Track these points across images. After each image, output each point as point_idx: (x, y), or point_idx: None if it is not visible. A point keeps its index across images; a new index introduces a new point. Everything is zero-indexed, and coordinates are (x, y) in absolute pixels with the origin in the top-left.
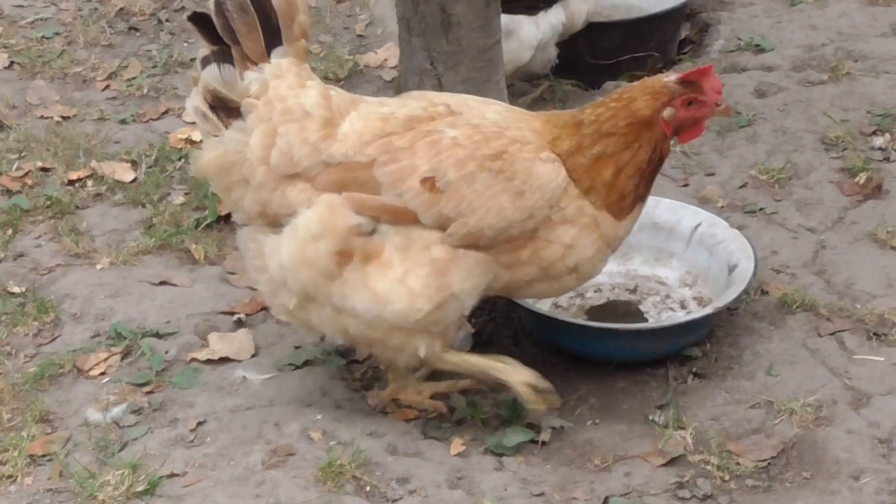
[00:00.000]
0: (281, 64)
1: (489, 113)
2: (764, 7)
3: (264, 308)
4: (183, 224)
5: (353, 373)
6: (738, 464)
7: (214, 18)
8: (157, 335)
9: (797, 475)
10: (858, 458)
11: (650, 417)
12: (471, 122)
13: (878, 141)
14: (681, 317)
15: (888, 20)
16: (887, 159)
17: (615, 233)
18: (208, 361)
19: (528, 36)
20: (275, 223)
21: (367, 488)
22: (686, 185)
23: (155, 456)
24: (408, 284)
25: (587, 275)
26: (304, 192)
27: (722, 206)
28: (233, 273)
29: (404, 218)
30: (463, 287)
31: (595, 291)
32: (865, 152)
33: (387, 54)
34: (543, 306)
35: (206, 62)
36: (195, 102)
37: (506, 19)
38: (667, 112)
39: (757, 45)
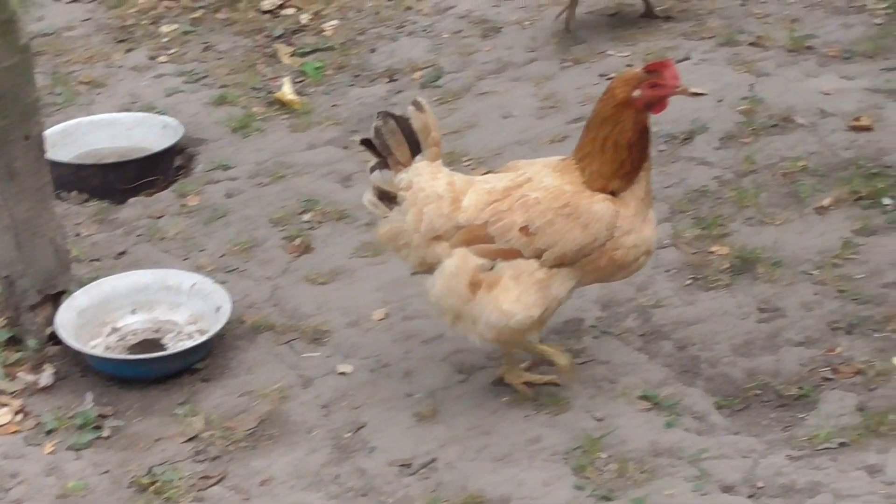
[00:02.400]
0: (419, 166)
1: (546, 179)
2: (228, 140)
3: None
4: None
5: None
6: (233, 433)
7: (374, 140)
8: None
9: (271, 435)
10: (309, 419)
11: (174, 412)
12: (543, 186)
13: (307, 216)
14: (189, 344)
15: (306, 141)
16: (312, 228)
17: (643, 195)
18: None
19: None
20: (431, 269)
21: None
22: (187, 259)
23: None
24: (523, 301)
25: (651, 250)
26: (445, 248)
27: (210, 270)
28: None
29: (513, 255)
30: (560, 291)
31: (132, 335)
32: (299, 225)
33: None
34: (98, 350)
35: (372, 169)
36: (368, 197)
37: None
38: (636, 92)
39: (224, 165)
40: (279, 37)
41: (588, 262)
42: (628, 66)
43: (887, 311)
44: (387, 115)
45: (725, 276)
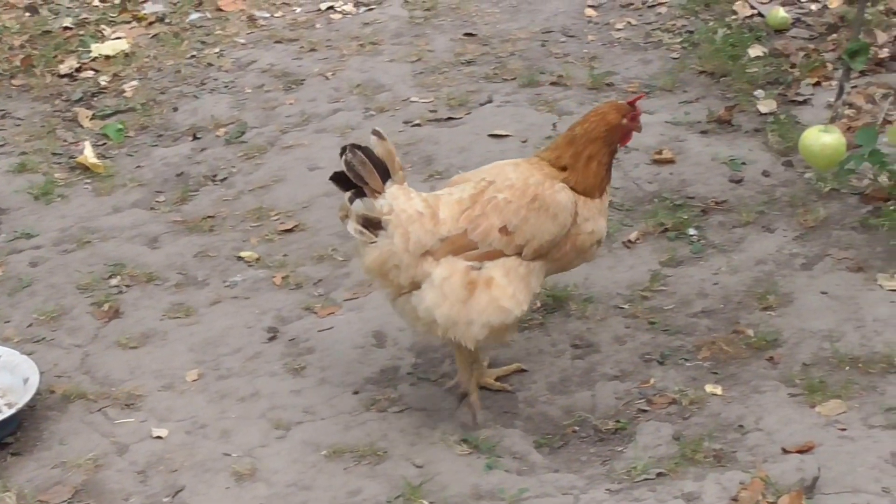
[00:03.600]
0: (392, 191)
1: (510, 173)
2: (30, 209)
3: None
4: None
5: None
6: None
7: (348, 173)
8: None
9: None
10: (126, 486)
11: None
12: (507, 184)
13: (115, 281)
14: None
15: (110, 204)
16: (121, 292)
17: (605, 206)
18: None
19: None
20: (417, 286)
21: None
22: None
23: None
24: (518, 297)
25: (602, 239)
26: (431, 262)
27: (17, 341)
28: None
29: (496, 256)
30: (536, 285)
31: None
32: (107, 290)
33: None
34: None
35: (352, 200)
36: (353, 226)
37: None
38: (624, 121)
39: (28, 234)
40: (78, 100)
41: (556, 250)
42: (432, 111)
43: (697, 340)
44: (354, 147)
45: (538, 315)
